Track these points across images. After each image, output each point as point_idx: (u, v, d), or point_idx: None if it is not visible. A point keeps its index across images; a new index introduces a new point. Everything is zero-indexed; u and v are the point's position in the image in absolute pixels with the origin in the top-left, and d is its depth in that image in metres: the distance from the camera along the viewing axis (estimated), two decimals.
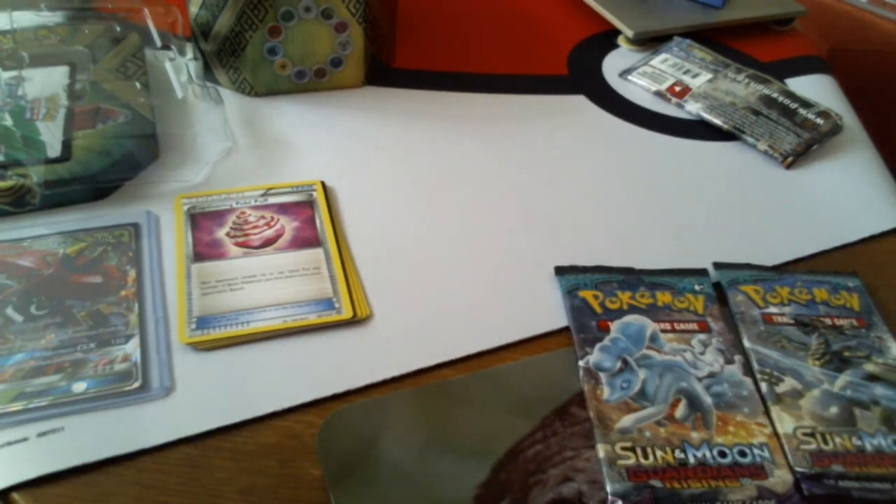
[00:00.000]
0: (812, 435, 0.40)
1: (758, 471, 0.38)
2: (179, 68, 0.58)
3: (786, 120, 0.61)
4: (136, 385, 0.40)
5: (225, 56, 0.60)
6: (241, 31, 0.58)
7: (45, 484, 0.36)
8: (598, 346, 0.44)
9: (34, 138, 0.50)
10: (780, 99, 0.63)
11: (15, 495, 0.36)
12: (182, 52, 0.59)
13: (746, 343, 0.44)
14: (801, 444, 0.39)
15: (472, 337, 0.44)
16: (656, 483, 0.38)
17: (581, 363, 0.43)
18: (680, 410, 0.41)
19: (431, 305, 0.46)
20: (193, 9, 0.59)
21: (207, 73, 0.61)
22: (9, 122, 0.51)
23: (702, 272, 0.48)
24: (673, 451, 0.39)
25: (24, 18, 0.59)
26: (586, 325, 0.45)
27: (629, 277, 0.47)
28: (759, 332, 0.45)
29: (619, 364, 0.43)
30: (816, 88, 0.67)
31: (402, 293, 0.46)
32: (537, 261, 0.49)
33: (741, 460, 0.39)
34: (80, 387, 0.39)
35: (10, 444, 0.37)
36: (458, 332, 0.44)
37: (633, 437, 0.40)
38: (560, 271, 0.48)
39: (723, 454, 0.39)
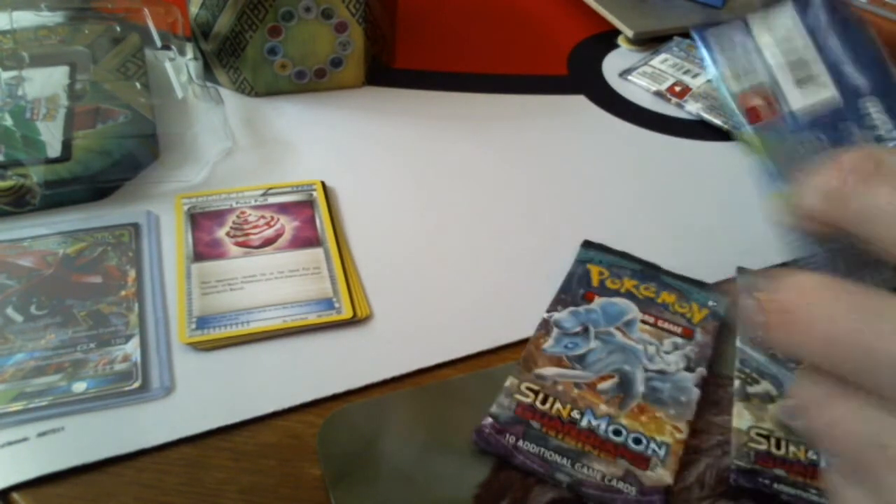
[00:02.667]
0: (767, 437, 0.39)
1: (641, 461, 0.38)
2: (179, 68, 0.58)
3: None
4: (136, 385, 0.40)
5: (225, 56, 0.60)
6: (241, 31, 0.58)
7: (45, 484, 0.36)
8: (570, 308, 0.44)
9: (34, 138, 0.50)
10: None
11: (15, 495, 0.36)
12: (182, 52, 0.59)
13: (738, 343, 0.44)
14: (750, 441, 0.39)
15: (472, 337, 0.44)
16: (535, 423, 0.38)
17: (545, 315, 0.43)
18: (606, 384, 0.41)
19: (431, 305, 0.46)
20: (193, 9, 0.59)
21: (207, 73, 0.61)
22: (9, 122, 0.51)
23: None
24: (571, 411, 0.39)
25: (24, 18, 0.59)
26: (573, 290, 0.45)
27: (648, 271, 0.47)
28: (755, 338, 0.45)
29: (579, 328, 0.43)
30: None
31: (402, 293, 0.46)
32: (537, 261, 0.49)
33: (632, 445, 0.38)
34: (80, 387, 0.39)
35: (10, 444, 0.37)
36: (458, 332, 0.44)
37: (545, 385, 0.40)
38: (587, 245, 0.49)
39: (617, 433, 0.39)
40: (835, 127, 0.24)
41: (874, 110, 0.24)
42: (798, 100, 0.26)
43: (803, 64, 0.26)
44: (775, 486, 0.37)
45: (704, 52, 0.29)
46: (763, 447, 0.39)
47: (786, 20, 0.27)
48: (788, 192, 0.24)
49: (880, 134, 0.24)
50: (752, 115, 0.26)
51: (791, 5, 0.27)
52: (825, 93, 0.25)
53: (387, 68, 0.66)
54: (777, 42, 0.27)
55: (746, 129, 0.26)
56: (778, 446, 0.39)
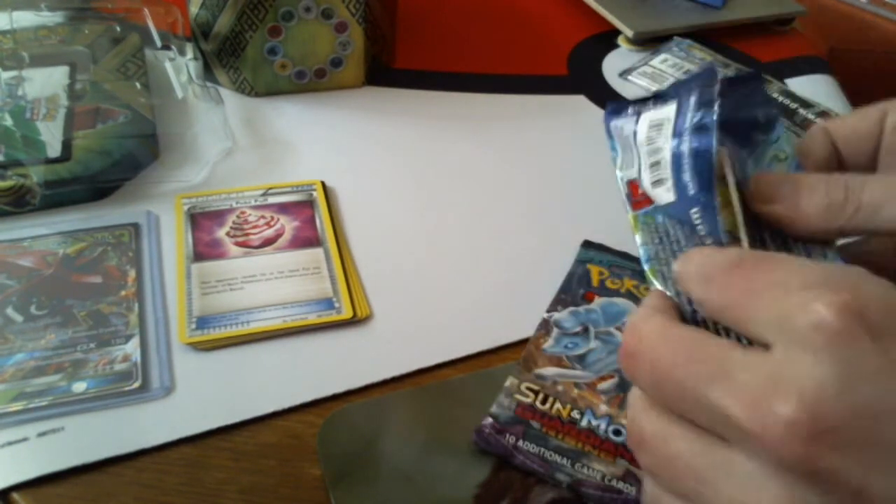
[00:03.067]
0: None
1: None
2: (179, 68, 0.58)
3: (786, 120, 0.61)
4: (136, 385, 0.40)
5: (225, 56, 0.60)
6: (241, 31, 0.58)
7: (45, 484, 0.36)
8: (570, 308, 0.44)
9: (34, 138, 0.50)
10: (780, 99, 0.63)
11: (15, 495, 0.36)
12: (182, 52, 0.59)
13: None
14: None
15: (472, 337, 0.44)
16: (535, 423, 0.38)
17: (545, 315, 0.44)
18: (606, 384, 0.41)
19: (431, 305, 0.46)
20: (193, 9, 0.59)
21: (207, 73, 0.61)
22: (9, 122, 0.51)
23: None
24: (571, 411, 0.39)
25: (24, 18, 0.59)
26: (573, 291, 0.46)
27: None
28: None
29: (579, 328, 0.43)
30: (816, 88, 0.67)
31: (402, 293, 0.46)
32: (537, 261, 0.49)
33: None
34: (80, 387, 0.39)
35: (10, 444, 0.37)
36: (458, 332, 0.44)
37: (545, 385, 0.40)
38: (587, 245, 0.49)
39: (617, 433, 0.39)
40: (681, 225, 0.28)
41: (698, 222, 0.28)
42: (657, 196, 0.30)
43: (657, 166, 0.30)
44: None
45: (608, 140, 0.35)
46: None
47: (665, 115, 0.30)
48: (655, 268, 0.29)
49: (703, 241, 0.28)
50: (636, 202, 0.31)
51: (676, 101, 0.30)
52: (668, 197, 0.29)
53: (387, 68, 0.66)
54: (646, 140, 0.31)
55: (628, 211, 0.31)
56: None
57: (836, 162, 0.32)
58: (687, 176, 0.28)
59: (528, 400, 0.40)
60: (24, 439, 0.37)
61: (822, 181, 0.28)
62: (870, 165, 0.31)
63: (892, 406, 0.19)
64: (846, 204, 0.27)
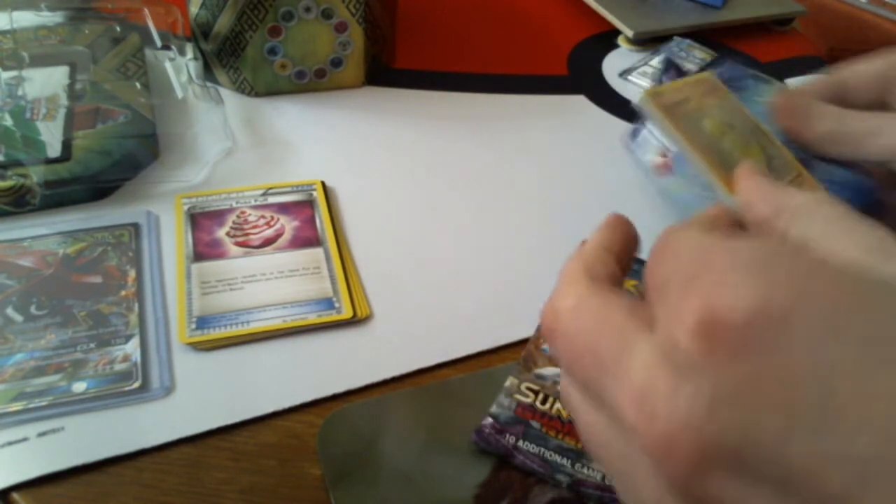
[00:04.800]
0: None
1: None
2: (179, 68, 0.58)
3: None
4: (136, 385, 0.40)
5: (225, 56, 0.60)
6: (241, 31, 0.58)
7: (45, 484, 0.36)
8: None
9: (34, 138, 0.50)
10: None
11: (15, 495, 0.36)
12: (182, 52, 0.59)
13: None
14: None
15: (472, 337, 0.44)
16: (535, 423, 0.38)
17: None
18: None
19: (432, 305, 0.46)
20: (193, 9, 0.59)
21: (207, 73, 0.61)
22: (9, 122, 0.51)
23: None
24: None
25: (24, 18, 0.59)
26: None
27: None
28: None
29: None
30: None
31: (402, 293, 0.46)
32: (537, 260, 0.49)
33: None
34: (80, 387, 0.39)
35: (10, 444, 0.37)
36: (459, 331, 0.44)
37: (545, 385, 0.40)
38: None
39: None
40: None
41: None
42: None
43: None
44: None
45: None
46: None
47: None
48: None
49: None
50: None
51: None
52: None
53: (387, 68, 0.66)
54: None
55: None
56: None
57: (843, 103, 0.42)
58: None
59: (528, 400, 0.40)
60: (24, 439, 0.37)
61: (832, 111, 0.40)
62: (877, 105, 0.41)
63: (750, 430, 0.18)
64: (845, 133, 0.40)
